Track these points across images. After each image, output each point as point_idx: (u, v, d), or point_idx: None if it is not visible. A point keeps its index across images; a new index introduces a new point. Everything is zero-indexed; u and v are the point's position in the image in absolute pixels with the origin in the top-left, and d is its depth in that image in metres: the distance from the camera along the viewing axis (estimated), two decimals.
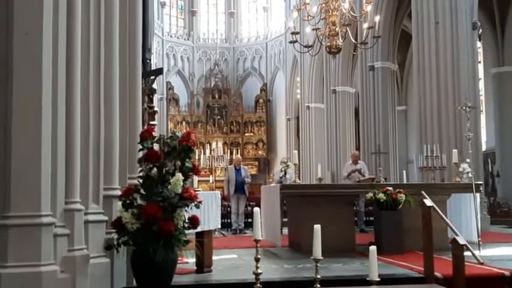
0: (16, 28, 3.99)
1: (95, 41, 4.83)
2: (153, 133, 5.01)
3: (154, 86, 7.71)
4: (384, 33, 16.81)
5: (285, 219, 10.78)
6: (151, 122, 7.09)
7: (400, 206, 8.12)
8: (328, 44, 9.62)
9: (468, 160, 9.45)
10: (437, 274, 5.69)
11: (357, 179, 12.10)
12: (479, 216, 8.73)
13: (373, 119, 17.72)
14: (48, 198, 4.00)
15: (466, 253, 5.39)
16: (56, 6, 4.22)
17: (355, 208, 10.29)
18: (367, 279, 4.23)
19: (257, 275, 4.41)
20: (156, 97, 8.55)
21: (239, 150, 26.83)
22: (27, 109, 3.97)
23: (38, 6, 4.04)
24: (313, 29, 10.00)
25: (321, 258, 4.36)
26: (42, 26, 4.03)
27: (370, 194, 8.24)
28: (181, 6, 29.91)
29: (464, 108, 9.32)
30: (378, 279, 4.14)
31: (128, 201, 4.66)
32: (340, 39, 9.63)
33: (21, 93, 3.96)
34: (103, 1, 4.97)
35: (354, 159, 13.14)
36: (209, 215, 6.26)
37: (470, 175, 9.13)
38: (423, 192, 6.83)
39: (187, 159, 4.87)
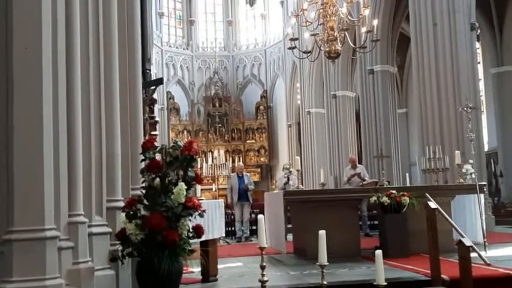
0: (16, 42, 4.00)
1: (95, 53, 4.84)
2: (155, 143, 5.00)
3: (155, 96, 7.72)
4: (383, 36, 16.82)
5: (289, 226, 10.76)
6: (152, 132, 7.09)
7: (405, 209, 8.10)
8: (327, 49, 9.62)
9: (471, 161, 9.43)
10: (444, 276, 5.67)
11: (359, 183, 12.09)
12: (484, 217, 8.71)
13: (374, 122, 17.70)
14: (51, 212, 3.99)
15: (472, 254, 5.37)
16: (54, 20, 4.23)
17: (358, 212, 10.27)
18: (374, 283, 4.21)
19: (263, 282, 4.40)
20: (156, 107, 8.55)
21: (241, 158, 26.81)
22: (28, 122, 3.96)
23: (37, 20, 4.05)
24: (311, 35, 10.02)
25: (327, 264, 4.34)
26: (41, 40, 4.04)
27: (374, 198, 8.22)
28: (180, 16, 29.98)
29: (465, 109, 9.31)
30: (385, 284, 4.12)
31: (131, 212, 4.64)
32: (339, 43, 9.64)
33: (22, 107, 3.96)
34: (101, 13, 4.98)
35: (353, 163, 13.15)
36: (213, 224, 6.25)
37: (473, 176, 9.11)
38: (427, 194, 6.81)
39: (189, 169, 4.87)
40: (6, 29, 4.09)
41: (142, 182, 4.83)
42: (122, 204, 4.87)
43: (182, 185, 4.68)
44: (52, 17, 4.21)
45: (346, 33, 9.87)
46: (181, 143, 4.89)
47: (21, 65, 3.99)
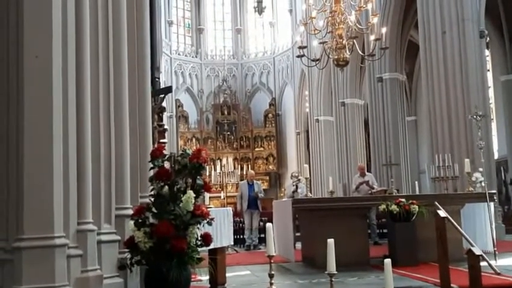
0: (26, 51, 4.04)
1: (104, 62, 4.86)
2: (164, 151, 5.01)
3: (164, 104, 7.75)
4: (391, 44, 16.82)
5: (298, 234, 10.74)
6: (161, 140, 7.11)
7: (414, 218, 8.07)
8: (336, 57, 9.63)
9: (481, 169, 9.39)
10: (454, 286, 5.63)
11: (368, 192, 12.06)
12: (494, 226, 8.66)
13: (383, 130, 17.67)
14: (60, 220, 4.00)
15: (482, 263, 5.33)
16: (64, 28, 4.26)
17: (367, 221, 10.23)
18: None
19: None
20: (165, 115, 8.58)
21: (249, 166, 26.83)
22: (38, 131, 3.99)
23: (48, 29, 4.08)
24: (320, 43, 10.03)
25: (336, 272, 4.33)
26: (51, 49, 4.07)
27: (383, 206, 8.19)
28: (189, 24, 30.14)
29: (474, 117, 9.28)
30: None
31: (140, 220, 4.64)
32: (348, 51, 9.64)
33: (31, 115, 3.99)
34: (111, 21, 5.01)
35: (361, 171, 13.12)
36: (222, 232, 6.24)
37: (483, 184, 9.06)
38: (436, 203, 6.78)
39: (198, 177, 4.87)
40: (17, 37, 4.13)
41: (151, 190, 4.83)
42: (130, 212, 4.88)
43: (191, 193, 4.68)
44: (62, 25, 4.23)
45: (354, 41, 9.88)
46: (190, 151, 4.90)
47: (31, 74, 4.02)
